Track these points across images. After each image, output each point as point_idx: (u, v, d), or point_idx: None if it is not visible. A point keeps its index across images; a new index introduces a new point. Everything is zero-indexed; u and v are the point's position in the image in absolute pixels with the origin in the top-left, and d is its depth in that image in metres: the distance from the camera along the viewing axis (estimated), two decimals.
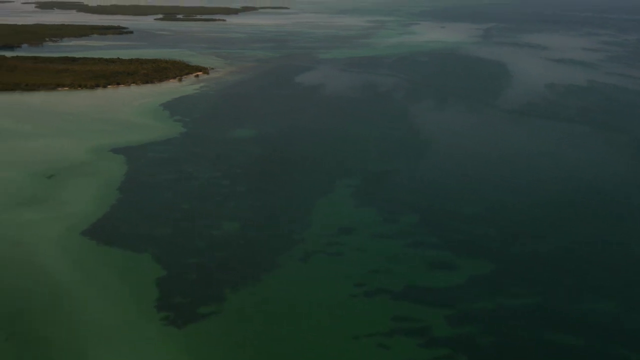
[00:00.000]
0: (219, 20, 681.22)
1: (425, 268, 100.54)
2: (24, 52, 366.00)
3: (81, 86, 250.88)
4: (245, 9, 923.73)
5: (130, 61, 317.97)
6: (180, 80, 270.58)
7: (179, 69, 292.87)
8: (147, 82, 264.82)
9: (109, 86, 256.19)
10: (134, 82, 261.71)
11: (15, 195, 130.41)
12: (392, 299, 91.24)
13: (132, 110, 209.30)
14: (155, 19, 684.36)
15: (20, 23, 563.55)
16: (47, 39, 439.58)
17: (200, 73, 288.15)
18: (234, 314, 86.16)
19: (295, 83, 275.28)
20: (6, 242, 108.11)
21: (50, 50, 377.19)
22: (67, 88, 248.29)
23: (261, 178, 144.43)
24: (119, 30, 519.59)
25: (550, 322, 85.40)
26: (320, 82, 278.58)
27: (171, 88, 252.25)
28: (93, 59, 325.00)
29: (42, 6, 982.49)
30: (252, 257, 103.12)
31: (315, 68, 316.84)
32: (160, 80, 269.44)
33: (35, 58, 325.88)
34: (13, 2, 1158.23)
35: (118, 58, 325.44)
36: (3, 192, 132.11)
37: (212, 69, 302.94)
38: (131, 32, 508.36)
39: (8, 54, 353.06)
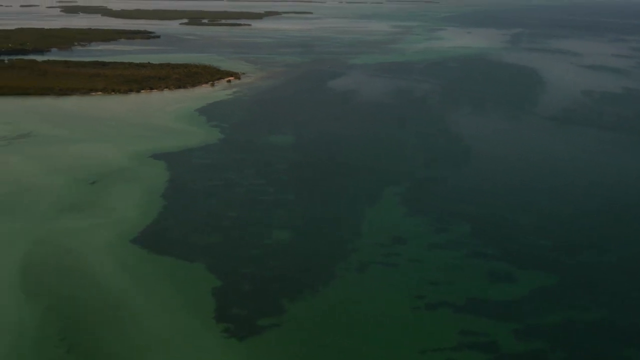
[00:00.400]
0: (245, 25, 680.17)
1: (485, 280, 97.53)
2: (54, 56, 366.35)
3: (114, 91, 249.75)
4: (269, 14, 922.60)
5: (161, 66, 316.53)
6: (212, 85, 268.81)
7: (210, 74, 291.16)
8: (179, 87, 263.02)
9: (142, 91, 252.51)
10: (166, 87, 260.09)
11: (61, 202, 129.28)
12: (455, 312, 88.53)
13: (167, 115, 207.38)
14: (180, 24, 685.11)
15: (47, 27, 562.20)
16: (75, 43, 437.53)
17: (232, 78, 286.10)
18: (294, 327, 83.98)
19: (328, 88, 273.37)
20: (57, 249, 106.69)
21: (79, 54, 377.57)
22: (100, 93, 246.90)
23: (306, 185, 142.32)
24: (146, 35, 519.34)
25: (623, 336, 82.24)
26: (353, 87, 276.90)
27: (204, 93, 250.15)
28: (123, 63, 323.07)
29: (67, 10, 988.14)
30: (307, 267, 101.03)
31: (346, 73, 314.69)
32: (193, 85, 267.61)
33: (66, 62, 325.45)
34: (38, 6, 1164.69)
35: (149, 63, 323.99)
36: (48, 198, 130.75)
37: (243, 74, 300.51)
38: (158, 37, 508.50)
39: (38, 58, 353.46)
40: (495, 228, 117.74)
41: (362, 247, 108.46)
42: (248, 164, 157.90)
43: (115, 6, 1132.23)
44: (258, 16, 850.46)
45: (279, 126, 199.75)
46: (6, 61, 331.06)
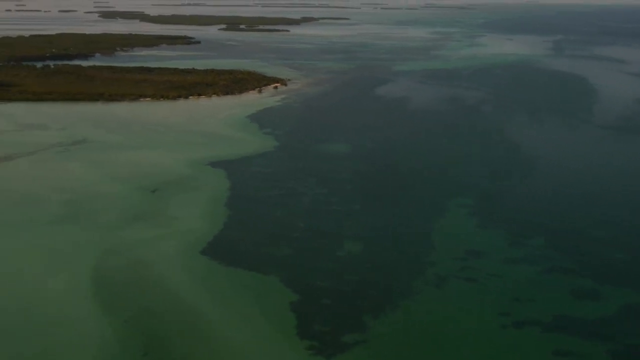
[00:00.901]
0: (283, 30, 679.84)
1: (570, 296, 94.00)
2: (98, 61, 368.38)
3: (163, 97, 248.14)
4: (306, 20, 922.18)
5: (206, 72, 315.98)
6: (260, 91, 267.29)
7: (256, 80, 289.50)
8: (227, 94, 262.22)
9: (190, 97, 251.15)
10: (214, 93, 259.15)
11: (125, 211, 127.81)
12: (544, 330, 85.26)
13: (219, 122, 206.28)
14: (219, 29, 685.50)
15: (88, 32, 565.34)
16: (117, 49, 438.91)
17: (278, 84, 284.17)
18: (379, 343, 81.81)
19: (377, 95, 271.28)
20: (128, 260, 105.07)
21: (123, 59, 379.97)
22: (149, 99, 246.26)
23: (371, 195, 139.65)
24: (186, 40, 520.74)
25: None
26: (402, 94, 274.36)
27: (252, 100, 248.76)
28: (169, 69, 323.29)
29: (105, 16, 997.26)
30: (384, 280, 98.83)
31: (393, 80, 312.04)
32: (240, 91, 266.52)
33: (111, 68, 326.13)
34: (76, 11, 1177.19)
35: (193, 68, 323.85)
36: (112, 207, 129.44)
37: (289, 80, 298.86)
38: (199, 42, 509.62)
39: (83, 63, 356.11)
40: (573, 241, 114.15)
41: (437, 260, 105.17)
42: (308, 172, 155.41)
43: (152, 12, 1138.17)
44: (295, 22, 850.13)
45: (334, 134, 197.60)
46: (52, 66, 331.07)
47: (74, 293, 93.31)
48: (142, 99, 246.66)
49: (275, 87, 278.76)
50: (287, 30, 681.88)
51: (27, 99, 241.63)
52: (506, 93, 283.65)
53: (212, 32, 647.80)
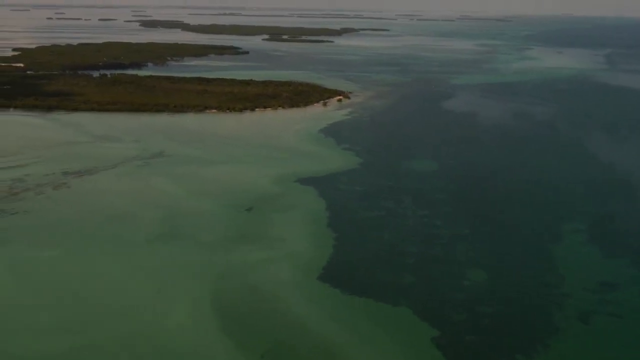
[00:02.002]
0: (327, 41, 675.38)
1: None
2: (151, 70, 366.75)
3: (229, 109, 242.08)
4: (346, 31, 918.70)
5: (265, 83, 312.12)
6: (325, 104, 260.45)
7: (318, 93, 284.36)
8: (292, 106, 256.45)
9: (256, 109, 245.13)
10: (280, 106, 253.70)
11: (226, 230, 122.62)
12: None
13: (293, 135, 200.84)
14: (262, 39, 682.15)
15: (134, 41, 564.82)
16: (168, 58, 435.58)
17: (341, 97, 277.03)
18: None
19: (445, 110, 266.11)
20: (244, 286, 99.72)
21: (175, 69, 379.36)
22: (214, 110, 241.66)
23: (475, 217, 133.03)
24: (234, 51, 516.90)
25: None
26: (470, 109, 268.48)
27: (319, 113, 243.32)
28: (226, 79, 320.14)
29: (146, 24, 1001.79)
30: (522, 314, 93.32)
31: (455, 94, 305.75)
32: (305, 104, 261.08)
33: (169, 78, 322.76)
34: (116, 19, 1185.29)
35: (251, 80, 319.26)
36: (211, 226, 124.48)
37: (350, 92, 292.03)
38: (247, 53, 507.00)
39: (137, 72, 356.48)
40: None
41: (571, 292, 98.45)
42: (401, 191, 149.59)
43: (191, 21, 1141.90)
44: (336, 33, 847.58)
45: (414, 150, 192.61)
46: (109, 75, 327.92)
47: (199, 324, 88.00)
48: (207, 111, 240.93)
49: (339, 100, 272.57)
50: (331, 41, 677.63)
51: (92, 109, 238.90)
52: (577, 109, 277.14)
53: (256, 42, 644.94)
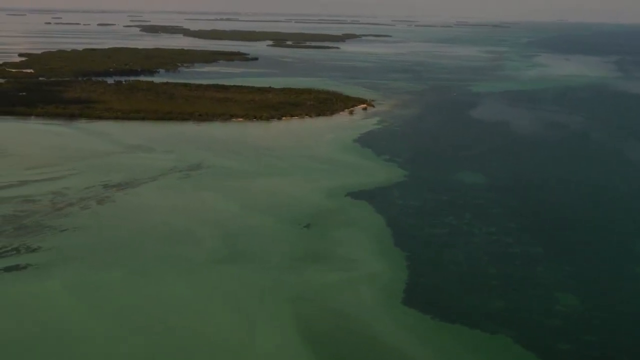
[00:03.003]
0: (333, 47, 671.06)
1: None
2: (164, 77, 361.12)
3: (256, 117, 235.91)
4: (348, 37, 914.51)
5: (284, 90, 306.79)
6: (351, 113, 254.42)
7: (341, 101, 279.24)
8: (319, 115, 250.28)
9: (283, 118, 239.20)
10: (306, 114, 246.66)
11: (290, 249, 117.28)
12: None
13: (329, 145, 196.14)
14: (267, 45, 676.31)
15: (140, 47, 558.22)
16: (178, 64, 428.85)
17: (366, 105, 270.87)
18: None
19: (474, 119, 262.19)
20: (325, 311, 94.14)
21: (188, 76, 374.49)
22: (241, 119, 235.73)
23: (544, 236, 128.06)
24: (243, 57, 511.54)
25: None
26: (500, 118, 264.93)
27: (347, 121, 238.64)
28: (245, 87, 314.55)
29: (147, 30, 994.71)
30: (633, 345, 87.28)
31: (479, 102, 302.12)
32: (331, 112, 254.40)
33: (186, 85, 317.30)
34: (115, 25, 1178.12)
35: (270, 87, 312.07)
36: (272, 244, 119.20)
37: (373, 100, 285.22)
38: (256, 59, 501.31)
39: (150, 79, 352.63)
40: None
41: None
42: (458, 206, 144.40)
43: (189, 26, 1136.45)
44: (339, 39, 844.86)
45: (457, 161, 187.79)
46: (124, 82, 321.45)
47: (291, 354, 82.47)
48: (233, 119, 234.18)
49: (365, 109, 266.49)
50: (337, 47, 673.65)
51: (116, 117, 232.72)
52: (607, 118, 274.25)
53: (261, 48, 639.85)
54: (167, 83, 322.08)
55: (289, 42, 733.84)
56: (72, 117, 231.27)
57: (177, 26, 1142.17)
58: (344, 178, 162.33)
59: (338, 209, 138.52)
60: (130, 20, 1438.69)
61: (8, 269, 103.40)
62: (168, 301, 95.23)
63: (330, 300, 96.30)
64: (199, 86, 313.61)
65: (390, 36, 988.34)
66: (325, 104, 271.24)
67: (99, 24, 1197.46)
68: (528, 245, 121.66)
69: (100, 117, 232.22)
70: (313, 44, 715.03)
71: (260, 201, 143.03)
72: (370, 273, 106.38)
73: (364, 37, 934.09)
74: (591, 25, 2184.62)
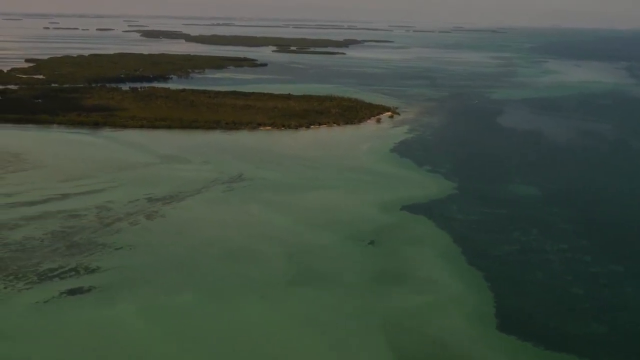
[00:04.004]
0: (339, 53, 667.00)
1: None
2: (177, 83, 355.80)
3: (284, 126, 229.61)
4: (350, 42, 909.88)
5: (305, 98, 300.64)
6: (378, 121, 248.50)
7: (366, 109, 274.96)
8: (347, 123, 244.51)
9: (311, 126, 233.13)
10: (334, 122, 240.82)
11: (362, 269, 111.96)
12: None
13: (366, 155, 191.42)
14: (272, 51, 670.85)
15: (145, 52, 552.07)
16: (189, 70, 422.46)
17: (391, 113, 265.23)
18: None
19: (505, 127, 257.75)
20: (418, 338, 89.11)
21: (202, 82, 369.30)
22: (269, 127, 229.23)
23: (623, 252, 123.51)
24: (251, 63, 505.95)
25: None
26: (531, 126, 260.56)
27: (377, 130, 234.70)
28: (264, 94, 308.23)
29: (147, 35, 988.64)
30: None
31: (503, 110, 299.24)
32: (359, 120, 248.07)
33: (204, 92, 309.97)
34: (113, 30, 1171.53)
35: (290, 94, 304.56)
36: (344, 264, 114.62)
37: (396, 108, 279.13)
38: (265, 65, 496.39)
39: (165, 86, 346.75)
40: None
41: None
42: (521, 221, 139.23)
43: (191, 31, 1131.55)
44: (342, 44, 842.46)
45: (502, 172, 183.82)
46: (139, 89, 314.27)
47: None
48: (261, 128, 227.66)
49: (391, 117, 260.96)
50: (343, 53, 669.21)
51: (141, 126, 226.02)
52: (638, 125, 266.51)
53: (267, 53, 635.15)
54: (184, 90, 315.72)
55: (293, 48, 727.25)
56: (96, 125, 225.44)
57: (176, 31, 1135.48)
58: (394, 191, 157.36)
59: (397, 224, 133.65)
60: (128, 25, 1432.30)
61: (72, 292, 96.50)
62: (249, 326, 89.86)
63: (422, 326, 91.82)
64: (218, 93, 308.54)
65: (392, 42, 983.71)
66: (350, 111, 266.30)
67: (97, 29, 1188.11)
68: (607, 262, 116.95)
69: (124, 126, 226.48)
70: (317, 49, 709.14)
71: (313, 216, 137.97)
72: (454, 295, 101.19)
73: (366, 43, 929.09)
74: (586, 31, 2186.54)
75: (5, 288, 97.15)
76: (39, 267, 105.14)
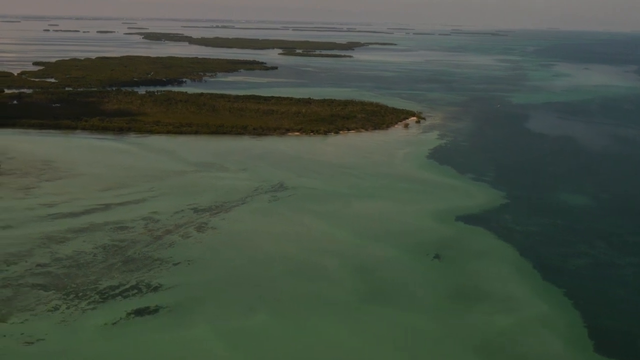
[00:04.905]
0: (345, 56, 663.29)
1: None
2: (192, 87, 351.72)
3: (313, 131, 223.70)
4: (353, 45, 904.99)
5: (325, 101, 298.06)
6: (406, 126, 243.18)
7: (391, 113, 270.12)
8: (375, 128, 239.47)
9: (340, 132, 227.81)
10: (362, 128, 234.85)
11: (435, 286, 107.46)
12: None
13: (404, 163, 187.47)
14: (279, 54, 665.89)
15: (153, 55, 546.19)
16: (200, 73, 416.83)
17: (416, 118, 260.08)
18: None
19: (537, 133, 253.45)
20: None
21: (214, 85, 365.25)
22: (297, 133, 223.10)
23: None
24: (262, 66, 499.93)
25: None
26: (563, 132, 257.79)
27: (407, 135, 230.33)
28: (283, 98, 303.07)
29: (150, 37, 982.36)
30: None
31: (529, 115, 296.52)
32: (387, 126, 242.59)
33: (223, 96, 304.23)
34: (114, 32, 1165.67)
35: (310, 98, 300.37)
36: (413, 280, 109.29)
37: (420, 113, 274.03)
38: (276, 68, 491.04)
39: (178, 89, 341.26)
40: None
41: None
42: (582, 232, 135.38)
43: (192, 34, 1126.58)
44: (346, 47, 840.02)
45: (548, 179, 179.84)
46: (157, 93, 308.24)
47: None
48: (290, 134, 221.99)
49: (418, 122, 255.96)
50: (350, 56, 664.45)
51: (168, 131, 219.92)
52: None
53: (274, 56, 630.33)
54: (202, 94, 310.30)
55: (298, 51, 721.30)
56: (120, 131, 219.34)
57: (178, 34, 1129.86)
58: (443, 200, 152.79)
59: (457, 236, 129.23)
60: (128, 28, 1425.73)
61: (139, 313, 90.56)
62: (336, 350, 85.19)
63: (515, 348, 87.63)
64: (237, 97, 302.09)
65: (395, 44, 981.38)
66: (375, 116, 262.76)
67: (98, 31, 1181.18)
68: None
69: (150, 131, 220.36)
70: (323, 52, 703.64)
71: (369, 227, 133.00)
72: (541, 314, 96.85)
73: (369, 46, 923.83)
74: (583, 34, 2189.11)
75: (68, 308, 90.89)
76: (98, 284, 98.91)
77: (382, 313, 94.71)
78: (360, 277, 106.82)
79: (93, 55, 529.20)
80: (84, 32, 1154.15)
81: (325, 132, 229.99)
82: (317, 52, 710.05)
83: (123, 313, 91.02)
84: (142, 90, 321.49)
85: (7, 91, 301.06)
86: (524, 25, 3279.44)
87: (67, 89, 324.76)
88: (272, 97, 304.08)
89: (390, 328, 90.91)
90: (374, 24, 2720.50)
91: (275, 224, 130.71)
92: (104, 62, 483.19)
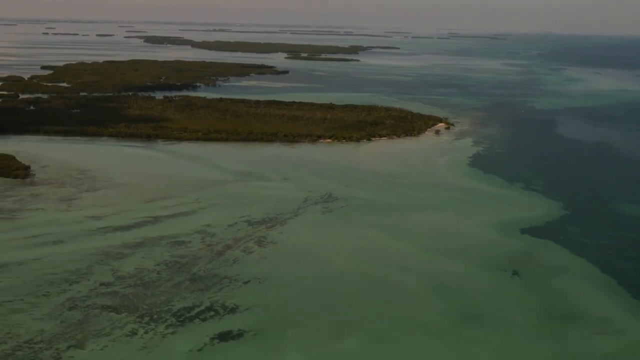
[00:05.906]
0: (353, 60, 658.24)
1: None
2: (207, 92, 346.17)
3: (345, 138, 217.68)
4: (356, 49, 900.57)
5: (347, 107, 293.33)
6: (437, 133, 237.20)
7: (419, 120, 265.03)
8: (406, 135, 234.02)
9: (372, 138, 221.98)
10: (393, 134, 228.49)
11: (524, 307, 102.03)
12: None
13: (448, 171, 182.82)
14: (285, 58, 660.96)
15: (160, 59, 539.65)
16: (212, 78, 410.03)
17: (446, 125, 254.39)
18: None
19: (572, 139, 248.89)
20: None
21: (229, 90, 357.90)
22: (329, 140, 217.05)
23: None
24: (273, 70, 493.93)
25: None
26: (598, 139, 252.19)
27: (439, 142, 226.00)
28: (305, 103, 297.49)
29: (151, 41, 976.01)
30: None
31: (557, 121, 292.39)
32: (418, 132, 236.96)
33: (243, 101, 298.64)
34: (114, 35, 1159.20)
35: (331, 103, 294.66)
36: (499, 300, 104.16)
37: (446, 118, 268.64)
38: (287, 72, 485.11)
39: (194, 94, 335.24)
40: None
41: None
42: None
43: (193, 37, 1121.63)
44: (351, 50, 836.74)
45: (602, 189, 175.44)
46: (175, 98, 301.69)
47: None
48: (322, 140, 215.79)
49: (447, 128, 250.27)
50: (357, 60, 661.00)
51: (197, 138, 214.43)
52: None
53: (281, 60, 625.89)
54: (222, 99, 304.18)
55: (304, 54, 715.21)
56: (148, 137, 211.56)
57: (178, 37, 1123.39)
58: (501, 211, 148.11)
59: (529, 250, 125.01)
60: (126, 31, 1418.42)
61: (223, 337, 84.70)
62: None
63: None
64: (258, 102, 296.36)
65: (397, 48, 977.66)
66: (403, 122, 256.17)
67: (97, 35, 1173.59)
68: None
69: (178, 138, 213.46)
70: (329, 56, 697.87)
71: (436, 241, 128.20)
72: None
73: (373, 49, 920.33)
74: (580, 38, 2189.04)
75: (146, 333, 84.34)
76: (170, 305, 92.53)
77: (478, 337, 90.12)
78: (444, 296, 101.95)
79: (98, 59, 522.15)
80: (83, 35, 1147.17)
81: (357, 139, 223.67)
82: (323, 55, 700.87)
83: (206, 338, 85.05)
84: (158, 95, 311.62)
85: (22, 96, 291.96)
86: (520, 29, 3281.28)
87: (82, 93, 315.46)
88: (294, 103, 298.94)
89: (491, 353, 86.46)
90: (369, 27, 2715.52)
91: (336, 238, 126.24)
92: (112, 66, 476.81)
